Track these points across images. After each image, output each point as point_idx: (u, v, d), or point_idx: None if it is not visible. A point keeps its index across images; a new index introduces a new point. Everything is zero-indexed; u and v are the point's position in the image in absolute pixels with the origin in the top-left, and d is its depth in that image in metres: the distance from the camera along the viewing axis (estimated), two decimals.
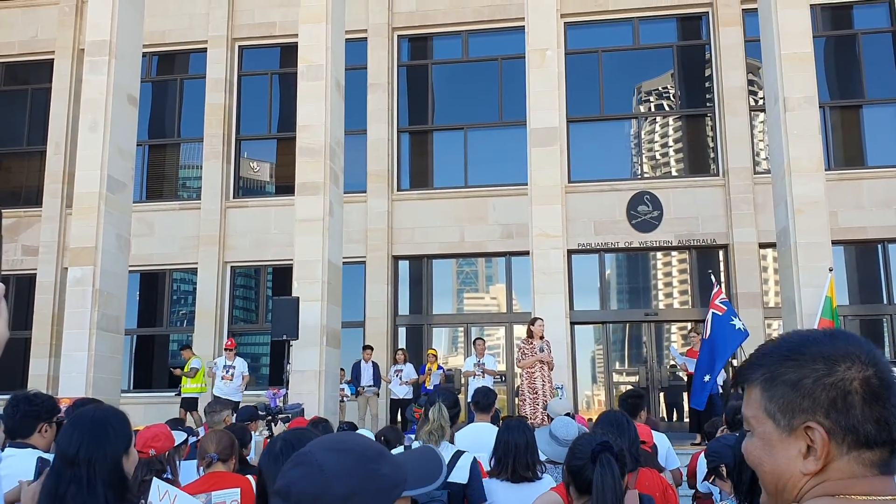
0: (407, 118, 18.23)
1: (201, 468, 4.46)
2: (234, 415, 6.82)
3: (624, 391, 8.35)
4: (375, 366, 14.52)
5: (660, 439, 6.01)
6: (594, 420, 5.18)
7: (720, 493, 4.65)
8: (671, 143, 17.59)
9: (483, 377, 13.19)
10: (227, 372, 13.84)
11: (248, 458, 5.53)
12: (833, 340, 1.22)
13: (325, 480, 1.18)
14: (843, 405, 1.17)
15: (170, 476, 4.33)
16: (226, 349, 14.28)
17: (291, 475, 1.18)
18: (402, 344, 16.86)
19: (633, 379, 16.74)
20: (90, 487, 2.36)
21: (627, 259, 17.06)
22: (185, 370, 14.84)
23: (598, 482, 2.76)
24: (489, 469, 4.56)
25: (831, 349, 1.20)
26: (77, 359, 12.28)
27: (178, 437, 4.59)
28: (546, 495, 3.51)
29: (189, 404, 14.46)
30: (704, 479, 4.91)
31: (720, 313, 12.57)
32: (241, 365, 14.06)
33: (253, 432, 6.53)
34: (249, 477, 4.40)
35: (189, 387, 14.73)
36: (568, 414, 6.40)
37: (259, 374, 17.89)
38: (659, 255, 16.89)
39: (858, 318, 15.89)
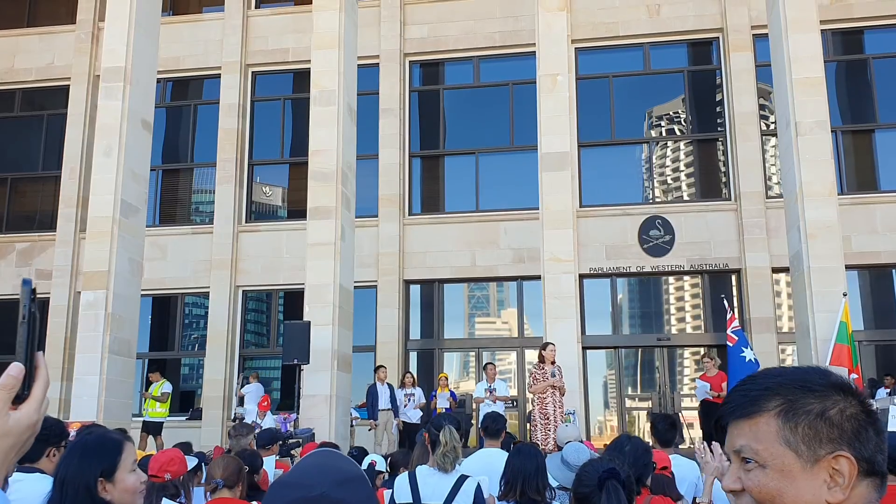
0: (418, 143, 18.32)
1: (208, 493, 4.44)
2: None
3: (655, 414, 8.15)
4: (391, 387, 14.25)
5: (690, 467, 5.91)
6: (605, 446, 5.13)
7: None
8: (683, 167, 17.57)
9: (494, 402, 13.09)
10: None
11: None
12: (827, 375, 1.25)
13: None
14: (864, 436, 1.20)
15: (183, 500, 4.31)
16: (260, 408, 13.88)
17: None
18: (413, 369, 16.79)
19: (646, 404, 16.60)
20: None
21: (639, 283, 16.99)
22: (156, 393, 14.33)
23: None
24: (498, 494, 4.53)
25: (839, 381, 1.23)
26: (89, 382, 12.29)
27: (190, 461, 4.57)
28: None
29: (155, 429, 13.94)
30: None
31: (731, 344, 12.55)
32: (269, 424, 13.25)
33: (275, 456, 6.52)
34: None
35: (157, 410, 14.24)
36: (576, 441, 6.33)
37: (270, 399, 17.85)
38: (671, 279, 16.81)
39: (873, 344, 15.72)
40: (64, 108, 19.23)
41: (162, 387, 14.58)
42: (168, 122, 19.31)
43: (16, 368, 1.22)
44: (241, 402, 15.08)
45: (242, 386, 15.32)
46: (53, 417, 4.05)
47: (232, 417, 14.69)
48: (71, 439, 3.89)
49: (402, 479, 4.67)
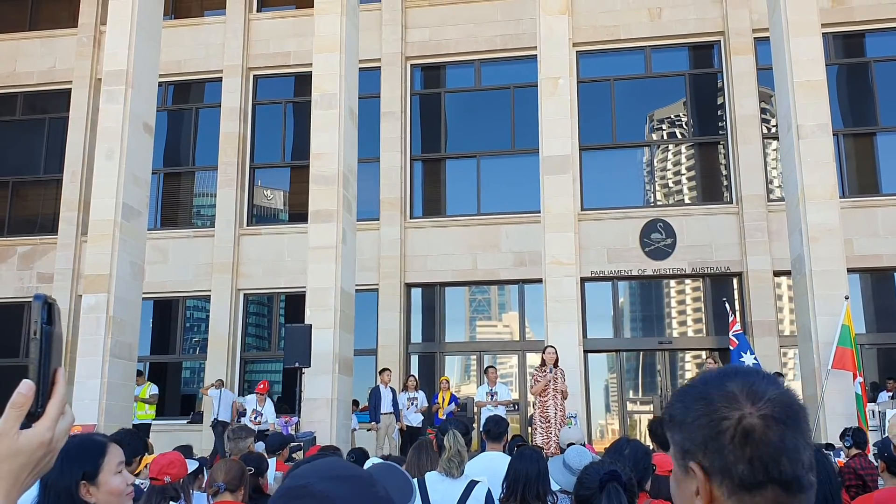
0: (420, 146, 18.32)
1: (210, 497, 4.43)
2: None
3: (655, 419, 8.13)
4: (394, 391, 14.21)
5: None
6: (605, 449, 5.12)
7: None
8: (684, 170, 17.58)
9: (495, 406, 13.06)
10: (255, 418, 13.31)
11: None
12: (722, 380, 1.20)
13: None
14: (714, 445, 1.15)
15: None
16: (257, 392, 13.75)
17: None
18: (414, 372, 16.78)
19: (648, 408, 16.58)
20: None
21: (641, 287, 16.97)
22: (144, 395, 14.46)
23: None
24: (500, 498, 4.53)
25: (714, 389, 1.19)
26: (90, 386, 12.29)
27: (191, 465, 4.55)
28: None
29: (143, 431, 13.79)
30: None
31: (732, 347, 12.58)
32: (269, 412, 13.44)
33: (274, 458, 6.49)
34: None
35: (146, 413, 14.41)
36: (578, 444, 6.32)
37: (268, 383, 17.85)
38: (672, 282, 16.79)
39: (875, 347, 15.70)
40: (66, 112, 19.24)
41: (149, 389, 14.62)
42: (169, 126, 19.32)
43: (25, 386, 1.20)
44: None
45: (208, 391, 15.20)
46: None
47: (212, 423, 14.57)
48: None
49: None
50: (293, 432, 11.02)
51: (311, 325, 11.89)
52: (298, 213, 17.42)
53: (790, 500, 1.14)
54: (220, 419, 14.21)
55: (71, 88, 19.23)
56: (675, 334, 16.66)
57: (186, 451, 6.47)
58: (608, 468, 2.88)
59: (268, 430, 13.26)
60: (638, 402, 16.85)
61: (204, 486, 4.95)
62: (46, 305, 1.24)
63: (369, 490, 1.17)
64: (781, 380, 1.25)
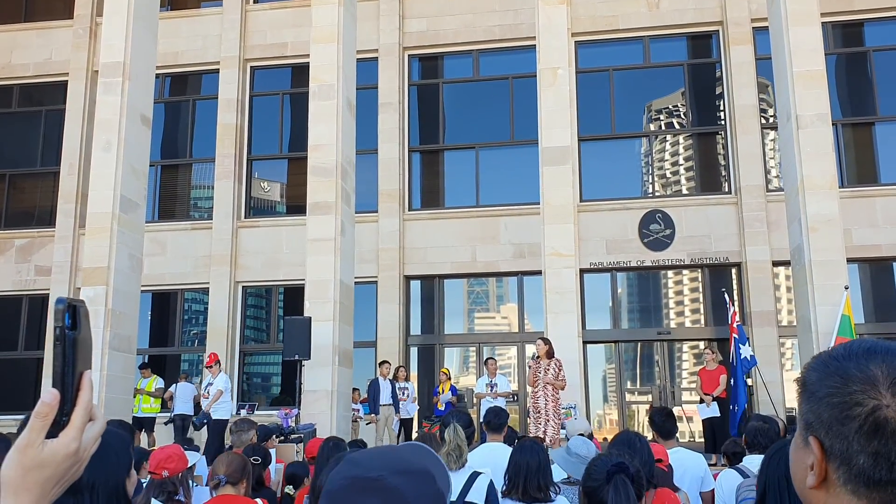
0: (418, 137, 18.27)
1: (211, 490, 4.42)
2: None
3: (652, 408, 8.14)
4: (393, 383, 14.27)
5: (695, 460, 5.91)
6: (609, 440, 5.13)
7: None
8: (682, 161, 17.55)
9: (495, 398, 13.08)
10: (206, 389, 13.33)
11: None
12: (867, 358, 1.12)
13: None
14: (839, 429, 1.08)
15: (181, 498, 4.28)
16: (206, 367, 13.63)
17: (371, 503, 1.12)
18: (413, 364, 16.79)
19: (646, 398, 16.60)
20: None
21: (640, 278, 16.97)
22: (150, 388, 14.54)
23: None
24: (501, 490, 4.54)
25: (855, 367, 1.11)
26: None
27: (192, 457, 4.54)
28: None
29: (148, 424, 14.11)
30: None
31: (735, 336, 12.62)
32: (220, 380, 13.29)
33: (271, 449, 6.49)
34: (259, 501, 4.34)
35: (151, 406, 14.49)
36: (585, 436, 6.33)
37: (269, 394, 17.87)
38: (671, 273, 16.79)
39: (874, 337, 15.69)
40: (62, 104, 19.17)
41: (155, 382, 14.64)
42: (166, 118, 19.25)
43: (49, 395, 1.15)
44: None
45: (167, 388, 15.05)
46: None
47: (170, 419, 14.44)
48: None
49: None
50: (293, 424, 11.02)
51: (310, 318, 11.87)
52: (296, 205, 17.40)
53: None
54: (178, 413, 14.18)
55: (67, 80, 19.14)
56: (673, 325, 16.67)
57: (187, 444, 6.47)
58: (615, 460, 2.87)
59: (202, 395, 13.30)
60: (636, 393, 16.87)
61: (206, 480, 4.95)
62: (70, 308, 1.20)
63: (432, 486, 1.16)
64: None
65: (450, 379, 14.98)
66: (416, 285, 17.51)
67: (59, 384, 1.15)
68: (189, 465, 4.33)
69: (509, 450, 5.31)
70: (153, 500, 3.81)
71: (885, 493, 1.06)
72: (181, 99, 19.36)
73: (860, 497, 1.07)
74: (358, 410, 14.17)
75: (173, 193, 19.15)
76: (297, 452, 8.03)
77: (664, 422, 5.89)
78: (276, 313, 18.01)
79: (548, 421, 10.90)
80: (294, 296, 17.00)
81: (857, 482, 1.07)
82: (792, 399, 15.41)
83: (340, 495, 1.11)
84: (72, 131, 18.79)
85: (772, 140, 16.77)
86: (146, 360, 16.51)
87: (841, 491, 1.09)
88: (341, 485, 1.12)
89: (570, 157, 14.33)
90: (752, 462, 4.63)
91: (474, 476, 4.51)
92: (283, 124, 18.84)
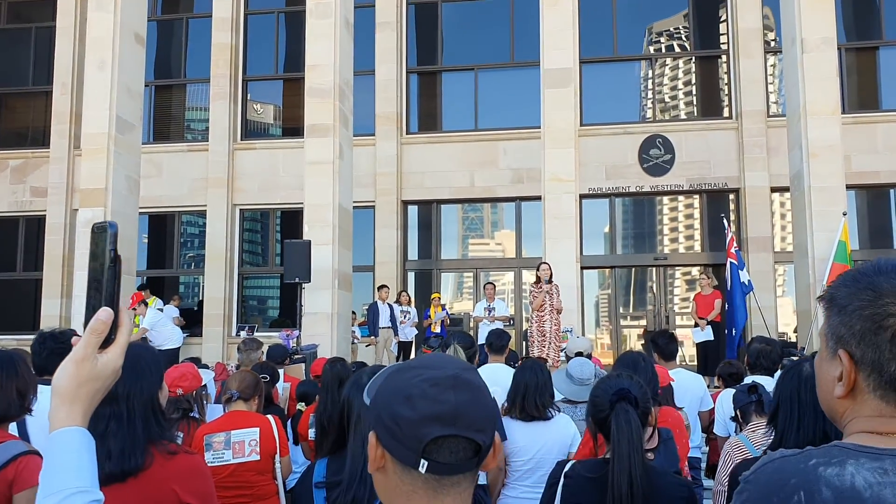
0: (416, 58, 17.95)
1: (224, 406, 4.50)
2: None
3: (654, 332, 8.29)
4: (392, 307, 14.43)
5: (694, 380, 6.09)
6: (613, 362, 5.22)
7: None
8: (682, 85, 17.34)
9: (492, 322, 13.23)
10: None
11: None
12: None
13: (493, 402, 1.19)
14: (871, 339, 1.15)
15: (196, 415, 4.37)
16: (132, 305, 13.01)
17: (457, 399, 1.13)
18: (411, 289, 16.89)
19: (639, 322, 16.82)
20: (130, 423, 2.37)
21: (636, 203, 16.95)
22: (151, 304, 14.43)
23: (615, 433, 2.72)
24: (502, 408, 4.65)
25: (886, 281, 1.17)
26: None
27: (205, 375, 4.61)
28: None
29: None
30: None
31: (734, 262, 12.71)
32: (150, 316, 13.09)
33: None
34: (270, 417, 4.43)
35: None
36: (584, 354, 6.44)
37: (267, 317, 18.01)
38: (667, 199, 16.78)
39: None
40: (52, 21, 18.71)
41: (154, 304, 14.70)
42: (159, 37, 18.82)
43: (105, 313, 1.24)
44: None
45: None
46: (71, 329, 4.06)
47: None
48: None
49: None
50: (294, 345, 11.16)
51: (310, 241, 11.89)
52: (292, 127, 17.22)
53: None
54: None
55: None
56: (667, 251, 16.74)
57: (196, 363, 6.56)
58: (616, 387, 2.85)
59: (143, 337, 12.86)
60: (629, 318, 17.07)
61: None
62: (114, 236, 1.27)
63: (487, 393, 1.21)
64: None
65: (440, 303, 15.04)
66: (413, 210, 17.47)
67: (111, 303, 1.23)
68: (202, 383, 4.41)
69: (511, 370, 5.41)
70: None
71: None
72: (174, 17, 18.91)
73: (888, 402, 1.14)
74: (355, 332, 14.34)
75: (167, 114, 18.89)
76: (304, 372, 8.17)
77: (667, 344, 6.04)
78: (274, 237, 18.01)
79: (550, 344, 11.12)
80: (291, 219, 16.98)
81: (888, 388, 1.14)
82: (785, 324, 15.63)
83: (429, 394, 1.12)
84: (63, 49, 18.39)
85: (772, 66, 16.54)
86: (145, 283, 16.59)
87: (869, 398, 1.16)
88: (422, 387, 1.13)
89: (572, 80, 14.12)
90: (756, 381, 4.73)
91: None
92: (279, 44, 18.45)
